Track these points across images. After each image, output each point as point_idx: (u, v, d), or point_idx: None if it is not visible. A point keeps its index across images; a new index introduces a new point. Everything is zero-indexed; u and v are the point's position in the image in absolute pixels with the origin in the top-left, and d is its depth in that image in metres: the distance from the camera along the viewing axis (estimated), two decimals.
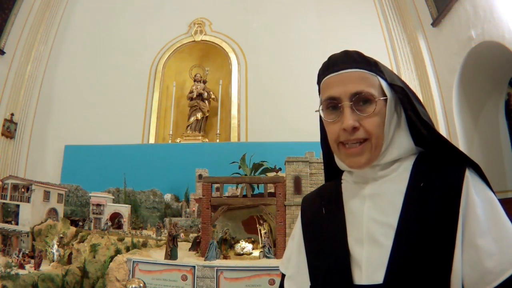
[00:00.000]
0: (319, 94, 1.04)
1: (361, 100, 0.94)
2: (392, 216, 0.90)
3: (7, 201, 4.68)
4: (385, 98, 0.96)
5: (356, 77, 0.96)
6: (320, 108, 1.01)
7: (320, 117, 1.03)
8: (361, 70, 0.97)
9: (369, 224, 0.93)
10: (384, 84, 0.97)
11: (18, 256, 4.16)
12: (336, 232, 0.99)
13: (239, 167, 4.73)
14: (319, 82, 1.05)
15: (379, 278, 0.87)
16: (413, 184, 0.93)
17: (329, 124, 0.99)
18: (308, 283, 1.03)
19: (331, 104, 0.98)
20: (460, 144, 5.20)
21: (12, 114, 6.53)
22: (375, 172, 0.98)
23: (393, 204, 0.92)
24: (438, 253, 0.84)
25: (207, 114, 7.32)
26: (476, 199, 0.87)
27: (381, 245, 0.89)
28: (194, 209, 5.59)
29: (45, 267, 4.06)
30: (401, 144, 0.99)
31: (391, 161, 0.98)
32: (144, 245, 4.52)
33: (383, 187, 0.97)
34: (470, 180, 0.89)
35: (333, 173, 1.14)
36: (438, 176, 0.91)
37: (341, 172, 1.10)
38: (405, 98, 0.98)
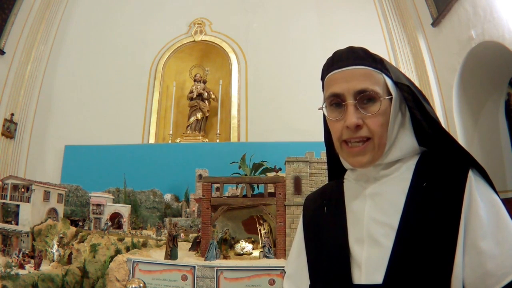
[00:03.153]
0: (323, 91, 1.02)
1: (365, 98, 0.93)
2: (393, 216, 0.89)
3: (7, 201, 4.68)
4: (390, 97, 0.94)
5: (360, 74, 0.94)
6: (324, 105, 0.99)
7: (324, 115, 1.01)
8: (366, 67, 0.94)
9: (370, 224, 0.92)
10: (389, 82, 0.96)
11: (18, 256, 4.16)
12: (336, 232, 0.98)
13: (239, 167, 4.73)
14: (323, 78, 1.03)
15: (378, 279, 0.86)
16: (415, 184, 0.92)
17: (332, 122, 0.97)
18: (308, 282, 1.02)
19: (335, 101, 0.96)
20: (460, 144, 5.20)
21: (12, 114, 6.53)
22: (377, 172, 0.97)
23: (394, 204, 0.91)
24: (438, 254, 0.83)
25: (207, 114, 7.32)
26: (479, 200, 0.86)
27: (381, 245, 0.88)
28: (194, 209, 5.59)
29: (45, 267, 4.06)
30: (404, 144, 0.97)
31: (394, 160, 0.97)
32: (144, 245, 4.52)
33: (384, 186, 0.95)
34: (473, 181, 0.87)
35: (336, 172, 1.13)
36: (440, 176, 0.90)
37: (345, 171, 1.09)
38: (410, 97, 0.97)
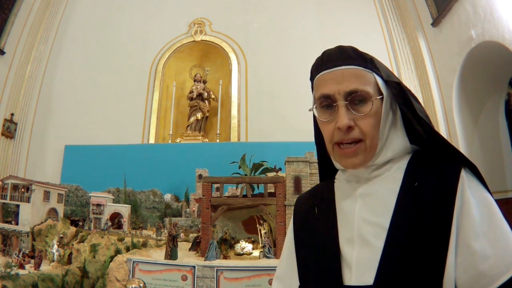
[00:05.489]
0: (312, 91, 1.01)
1: (356, 98, 0.91)
2: (383, 217, 0.88)
3: (7, 201, 4.68)
4: (381, 96, 0.93)
5: (351, 74, 0.92)
6: (314, 106, 0.98)
7: (314, 115, 1.00)
8: (356, 67, 0.93)
9: (360, 224, 0.91)
10: (380, 81, 0.94)
11: (18, 256, 4.16)
12: (327, 232, 0.97)
13: (239, 167, 4.73)
14: (312, 78, 1.01)
15: (369, 279, 0.85)
16: (406, 184, 0.90)
17: (323, 124, 0.96)
18: (297, 284, 1.01)
19: (325, 103, 0.94)
20: (460, 144, 5.20)
21: (12, 114, 6.53)
22: (368, 172, 0.96)
23: (385, 204, 0.90)
24: (430, 255, 0.82)
25: (207, 114, 7.32)
26: (472, 199, 0.84)
27: (371, 246, 0.87)
28: (194, 209, 5.59)
29: (45, 267, 4.06)
30: (396, 143, 0.96)
31: (385, 161, 0.96)
32: (144, 245, 4.52)
33: (375, 187, 0.94)
34: (466, 180, 0.86)
35: (327, 172, 1.12)
36: (432, 176, 0.89)
37: (336, 171, 1.08)
38: (400, 94, 0.95)
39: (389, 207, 0.89)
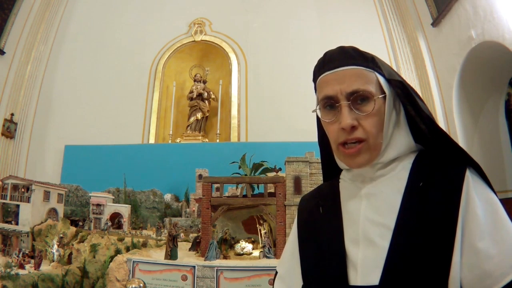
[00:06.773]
0: (315, 92, 1.02)
1: (359, 98, 0.92)
2: (388, 217, 0.88)
3: (7, 201, 4.68)
4: (383, 95, 0.93)
5: (352, 74, 0.93)
6: (317, 107, 0.99)
7: (318, 116, 1.01)
8: (358, 67, 0.93)
9: (365, 224, 0.91)
10: (382, 80, 0.94)
11: (18, 256, 4.16)
12: (332, 232, 0.97)
13: (239, 167, 4.73)
14: (314, 80, 1.02)
15: (374, 280, 0.84)
16: (412, 184, 0.90)
17: (327, 124, 0.96)
18: (300, 284, 1.01)
19: (328, 103, 0.95)
20: (460, 144, 5.20)
21: (12, 114, 6.53)
22: (373, 172, 0.96)
23: (390, 204, 0.90)
24: (436, 255, 0.81)
25: (207, 114, 7.31)
26: (477, 200, 0.85)
27: (377, 246, 0.87)
28: (194, 209, 5.59)
29: (45, 267, 4.05)
30: (400, 142, 0.96)
31: (390, 160, 0.96)
32: (144, 245, 4.52)
33: (380, 186, 0.94)
34: (471, 181, 0.86)
35: (331, 172, 1.12)
36: (437, 175, 0.89)
37: (340, 171, 1.08)
38: (403, 93, 0.95)
39: (394, 207, 0.89)
